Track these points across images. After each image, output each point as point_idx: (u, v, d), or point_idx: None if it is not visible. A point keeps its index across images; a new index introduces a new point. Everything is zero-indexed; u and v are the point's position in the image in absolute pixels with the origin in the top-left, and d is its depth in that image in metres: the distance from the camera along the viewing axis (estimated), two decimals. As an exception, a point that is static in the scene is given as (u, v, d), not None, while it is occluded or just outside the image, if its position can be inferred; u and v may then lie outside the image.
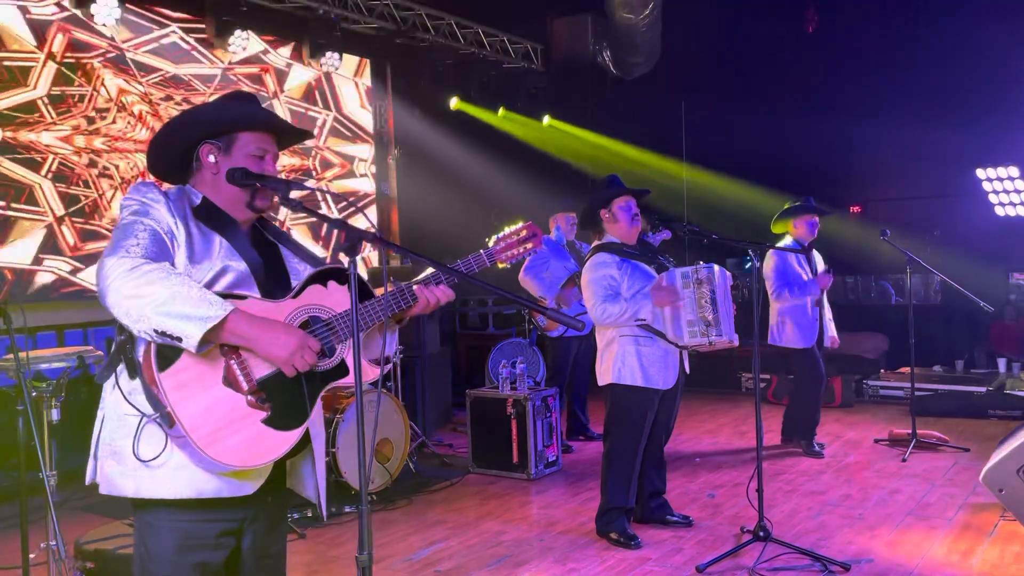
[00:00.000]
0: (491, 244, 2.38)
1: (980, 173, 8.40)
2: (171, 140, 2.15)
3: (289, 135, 2.28)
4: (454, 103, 8.85)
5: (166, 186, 2.17)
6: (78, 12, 6.14)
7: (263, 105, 2.28)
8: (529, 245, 2.38)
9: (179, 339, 1.84)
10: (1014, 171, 8.26)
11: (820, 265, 6.16)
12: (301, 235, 7.90)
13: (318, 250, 7.60)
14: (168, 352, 1.90)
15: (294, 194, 2.09)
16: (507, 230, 2.39)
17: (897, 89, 8.76)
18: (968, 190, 8.52)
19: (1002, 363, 7.99)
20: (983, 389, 7.46)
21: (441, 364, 7.63)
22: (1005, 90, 8.01)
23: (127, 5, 6.20)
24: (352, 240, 1.94)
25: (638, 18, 8.36)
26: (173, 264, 1.98)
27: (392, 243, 2.05)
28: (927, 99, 8.51)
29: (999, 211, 8.50)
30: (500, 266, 2.39)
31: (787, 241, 6.10)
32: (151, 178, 2.30)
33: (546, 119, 9.74)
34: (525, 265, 6.51)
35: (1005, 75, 7.99)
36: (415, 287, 2.18)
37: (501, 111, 9.49)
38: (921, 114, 8.39)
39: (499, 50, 9.39)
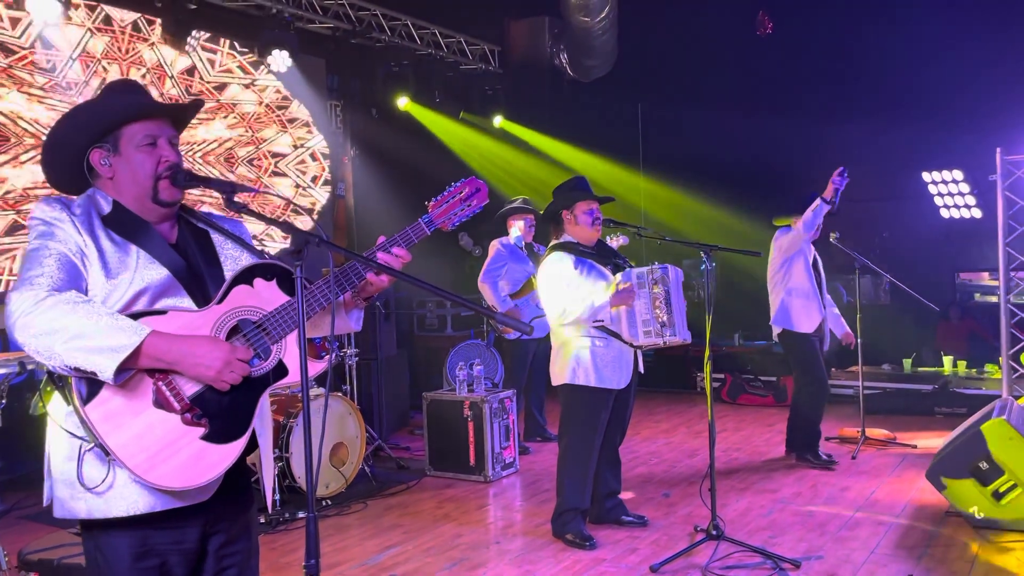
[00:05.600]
0: (429, 208, 2.20)
1: (926, 176, 8.62)
2: (57, 155, 2.04)
3: (180, 112, 2.12)
4: (404, 103, 8.77)
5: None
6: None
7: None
8: (473, 202, 2.21)
9: (93, 373, 1.77)
10: (958, 174, 8.48)
11: (821, 269, 5.86)
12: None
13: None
14: (91, 383, 1.82)
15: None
16: (445, 190, 2.20)
17: (846, 93, 8.95)
18: (915, 193, 8.73)
19: (948, 362, 8.19)
20: (929, 387, 7.65)
21: (398, 366, 7.59)
22: (950, 94, 8.22)
23: (72, 4, 6.04)
24: (299, 244, 1.90)
25: (594, 21, 8.40)
26: (86, 287, 1.89)
27: (338, 246, 1.99)
28: (875, 103, 8.71)
29: (944, 213, 8.73)
30: (444, 229, 2.20)
31: None
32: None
33: (498, 120, 9.72)
34: (484, 268, 6.50)
35: (950, 80, 8.20)
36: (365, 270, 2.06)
37: (461, 113, 9.47)
38: (869, 118, 8.59)
39: (456, 51, 9.37)
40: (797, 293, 5.71)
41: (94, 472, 1.87)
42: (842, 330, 5.99)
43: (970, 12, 8.08)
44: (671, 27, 9.38)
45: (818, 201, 5.46)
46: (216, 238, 2.15)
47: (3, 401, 3.62)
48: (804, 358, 5.76)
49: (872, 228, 8.89)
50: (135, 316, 1.87)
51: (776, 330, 5.84)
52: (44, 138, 2.05)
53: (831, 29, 8.94)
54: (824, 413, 5.86)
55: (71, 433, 1.88)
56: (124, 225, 1.98)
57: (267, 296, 2.02)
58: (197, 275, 2.04)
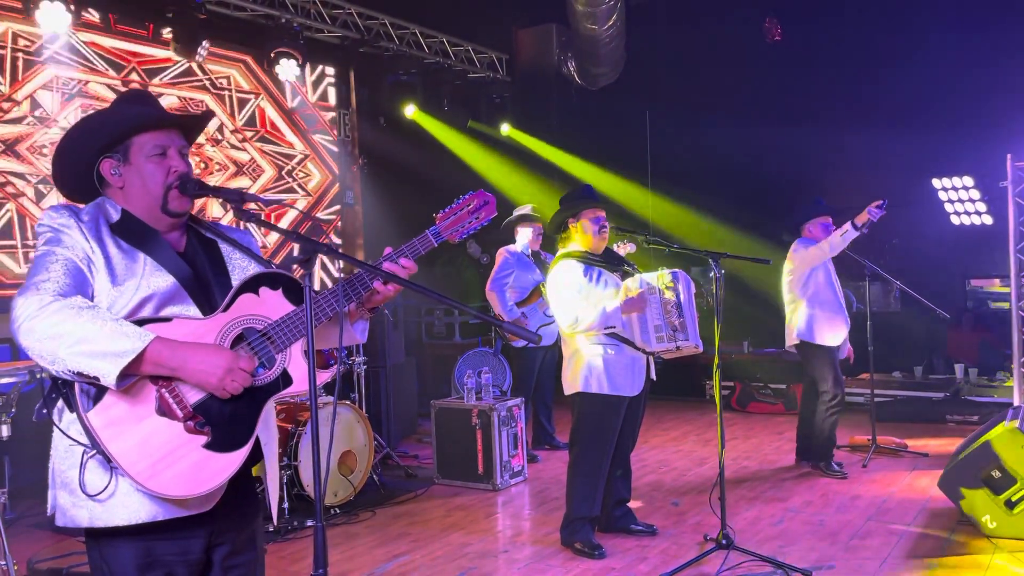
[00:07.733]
0: (437, 220, 2.20)
1: (936, 183, 8.58)
2: (68, 164, 2.05)
3: (190, 124, 2.14)
4: (412, 112, 8.80)
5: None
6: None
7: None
8: (482, 215, 2.22)
9: (96, 378, 1.77)
10: (969, 181, 8.44)
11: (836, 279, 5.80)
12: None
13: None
14: (94, 389, 1.82)
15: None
16: (454, 202, 2.21)
17: (855, 100, 8.92)
18: (925, 199, 8.69)
19: (959, 369, 8.14)
20: (941, 395, 7.59)
21: (406, 374, 7.59)
22: (959, 100, 8.18)
23: (83, 14, 6.09)
24: (308, 253, 1.90)
25: (602, 29, 8.41)
26: (92, 293, 1.90)
27: (347, 256, 1.99)
28: (884, 109, 8.67)
29: (955, 220, 8.68)
30: (453, 242, 2.21)
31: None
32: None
33: (505, 128, 9.73)
34: (492, 277, 6.48)
35: (960, 86, 8.17)
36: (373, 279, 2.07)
37: (469, 122, 9.50)
38: (878, 124, 8.55)
39: (464, 60, 9.40)
40: (822, 305, 5.63)
41: (96, 479, 1.86)
42: (846, 349, 5.91)
43: (979, 18, 8.06)
44: (679, 35, 9.38)
45: (848, 227, 5.34)
46: (224, 248, 2.16)
47: (13, 410, 3.63)
48: (825, 369, 5.68)
49: (882, 235, 8.81)
50: (140, 323, 1.86)
51: (793, 340, 5.77)
52: (56, 147, 2.05)
53: (839, 36, 8.92)
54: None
55: (74, 440, 1.87)
56: (132, 233, 1.99)
57: (273, 305, 2.01)
58: (204, 284, 2.04)
